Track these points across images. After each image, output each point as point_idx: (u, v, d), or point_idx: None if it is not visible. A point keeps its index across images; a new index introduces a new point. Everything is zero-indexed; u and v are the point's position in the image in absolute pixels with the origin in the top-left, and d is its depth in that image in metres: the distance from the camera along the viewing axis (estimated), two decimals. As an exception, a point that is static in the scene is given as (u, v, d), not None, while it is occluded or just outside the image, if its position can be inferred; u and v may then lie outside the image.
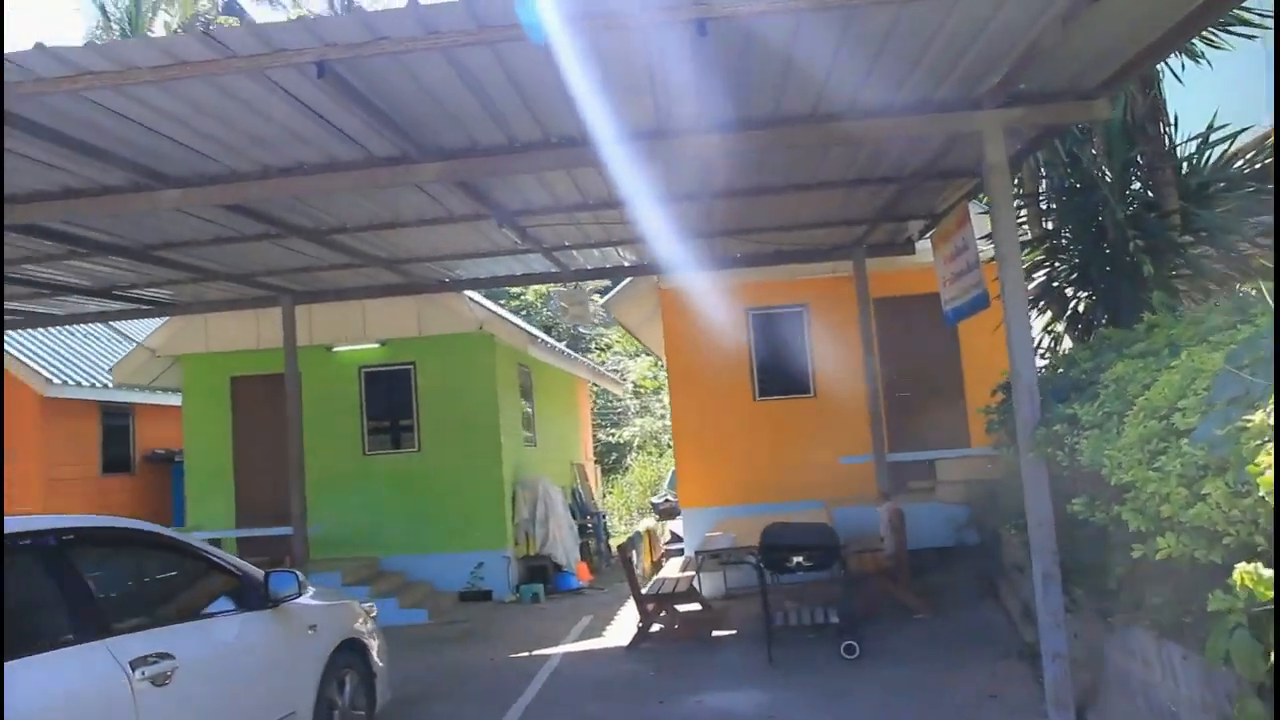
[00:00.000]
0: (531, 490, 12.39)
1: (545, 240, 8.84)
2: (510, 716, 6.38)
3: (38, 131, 5.02)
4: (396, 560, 11.84)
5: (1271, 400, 2.41)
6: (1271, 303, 3.50)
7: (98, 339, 14.72)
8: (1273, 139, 7.39)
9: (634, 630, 8.30)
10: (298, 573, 4.92)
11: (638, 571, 8.96)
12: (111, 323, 13.60)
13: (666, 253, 9.48)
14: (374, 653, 5.89)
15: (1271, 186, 6.78)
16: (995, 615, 7.75)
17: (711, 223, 8.68)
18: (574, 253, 9.61)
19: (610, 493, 23.22)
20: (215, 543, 11.34)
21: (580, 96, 5.05)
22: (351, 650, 5.60)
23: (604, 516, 15.90)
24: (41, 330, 13.12)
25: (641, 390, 27.78)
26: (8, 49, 4.16)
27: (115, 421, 13.94)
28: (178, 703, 3.94)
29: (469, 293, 11.73)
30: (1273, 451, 2.26)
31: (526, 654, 8.46)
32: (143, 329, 13.89)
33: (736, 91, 5.35)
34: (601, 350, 28.18)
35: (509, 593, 11.55)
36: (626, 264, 10.45)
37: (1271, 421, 2.35)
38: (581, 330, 26.81)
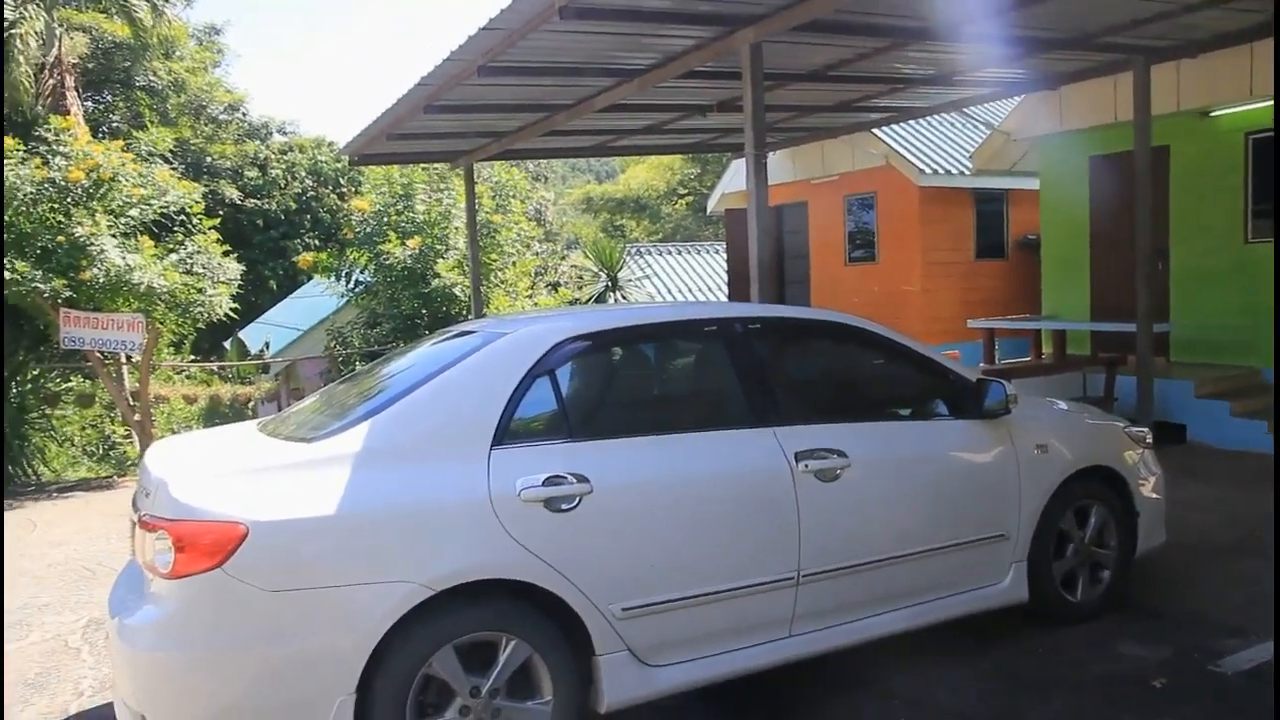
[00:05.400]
0: None
1: None
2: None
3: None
4: (1283, 373, 9.66)
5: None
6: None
7: (963, 128, 14.98)
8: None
9: None
10: (1006, 384, 4.31)
11: None
12: (969, 110, 13.58)
13: None
14: (1140, 488, 4.92)
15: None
16: None
17: None
18: None
19: None
20: (1061, 335, 10.93)
21: None
22: (1102, 480, 4.78)
23: None
24: (914, 124, 13.90)
25: None
26: None
27: (988, 208, 14.20)
28: (845, 502, 3.88)
29: None
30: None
31: None
32: (999, 113, 13.61)
33: None
34: None
35: None
36: None
37: None
38: None
